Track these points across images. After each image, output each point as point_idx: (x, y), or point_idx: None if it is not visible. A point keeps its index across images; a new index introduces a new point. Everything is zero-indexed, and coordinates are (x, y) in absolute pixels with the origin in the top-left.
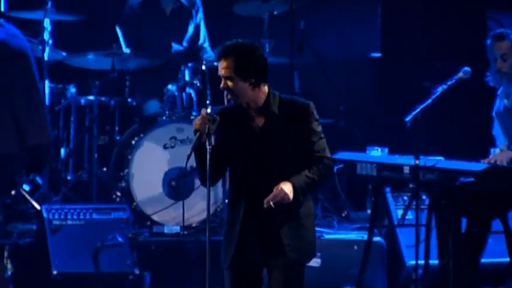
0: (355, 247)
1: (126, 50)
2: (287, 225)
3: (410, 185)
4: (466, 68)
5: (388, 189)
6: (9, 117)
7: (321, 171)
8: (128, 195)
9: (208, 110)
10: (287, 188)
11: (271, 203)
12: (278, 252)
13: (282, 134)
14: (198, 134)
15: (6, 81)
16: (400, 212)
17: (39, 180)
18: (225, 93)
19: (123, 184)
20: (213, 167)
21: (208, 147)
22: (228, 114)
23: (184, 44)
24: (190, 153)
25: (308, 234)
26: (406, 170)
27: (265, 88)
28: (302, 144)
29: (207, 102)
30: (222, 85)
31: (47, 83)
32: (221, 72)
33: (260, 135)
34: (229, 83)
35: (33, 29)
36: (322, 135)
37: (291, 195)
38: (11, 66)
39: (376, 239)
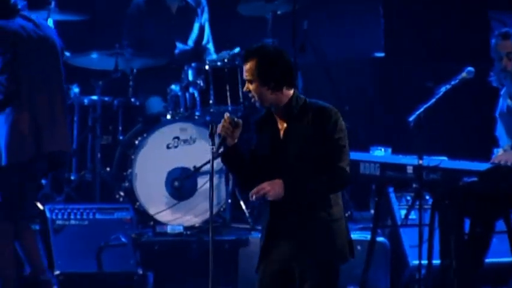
0: (359, 247)
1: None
2: (309, 230)
3: (414, 185)
4: (470, 68)
5: (391, 189)
6: (28, 122)
7: (330, 179)
8: (131, 195)
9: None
10: (274, 184)
11: (254, 196)
12: (300, 256)
13: (300, 139)
14: (221, 138)
15: (31, 82)
16: (403, 212)
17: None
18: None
19: (127, 184)
20: (252, 171)
21: (211, 146)
22: (261, 120)
23: (190, 43)
24: (213, 156)
25: (330, 238)
26: (410, 169)
27: (289, 92)
28: (318, 149)
29: (210, 102)
30: (244, 88)
31: None
32: (244, 75)
33: (281, 139)
34: (250, 86)
35: None
36: (342, 143)
37: (277, 192)
38: (41, 68)
39: (380, 239)
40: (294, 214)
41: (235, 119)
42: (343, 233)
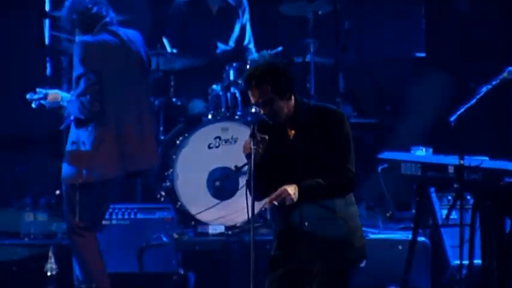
0: (400, 247)
1: (171, 50)
2: (322, 232)
3: (455, 185)
4: (510, 68)
5: (432, 189)
6: (114, 143)
7: (336, 181)
8: (172, 195)
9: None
10: (291, 189)
11: (275, 202)
12: (310, 258)
13: (307, 141)
14: (251, 159)
15: (118, 102)
16: (444, 212)
17: None
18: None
19: (168, 184)
20: (266, 179)
21: (253, 147)
22: (268, 126)
23: (231, 44)
24: (249, 178)
25: (345, 241)
26: (451, 170)
27: (293, 97)
28: (326, 152)
29: (251, 102)
30: (263, 111)
31: None
32: (258, 100)
33: (291, 144)
34: (271, 107)
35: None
36: (347, 145)
37: (294, 196)
38: (128, 84)
39: (421, 239)
40: (311, 219)
41: (261, 137)
42: (351, 237)
